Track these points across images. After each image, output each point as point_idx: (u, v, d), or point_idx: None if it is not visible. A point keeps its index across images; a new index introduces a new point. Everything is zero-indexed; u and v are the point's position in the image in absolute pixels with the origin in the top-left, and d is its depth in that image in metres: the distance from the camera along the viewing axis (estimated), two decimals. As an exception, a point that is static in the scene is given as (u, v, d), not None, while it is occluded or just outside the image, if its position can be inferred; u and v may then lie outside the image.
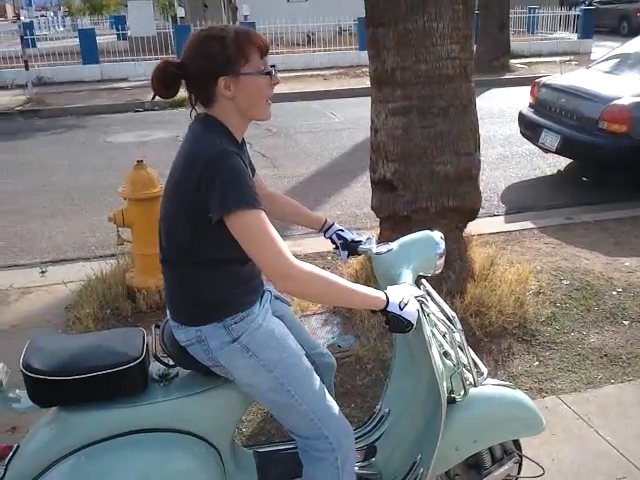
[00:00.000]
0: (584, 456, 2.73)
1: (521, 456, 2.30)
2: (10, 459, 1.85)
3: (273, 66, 1.83)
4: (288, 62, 15.23)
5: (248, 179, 1.70)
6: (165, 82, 1.77)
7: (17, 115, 11.33)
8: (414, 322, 1.81)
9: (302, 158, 8.04)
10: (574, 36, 18.48)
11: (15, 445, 1.90)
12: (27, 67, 12.58)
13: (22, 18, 13.54)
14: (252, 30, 1.80)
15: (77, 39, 15.45)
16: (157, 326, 2.07)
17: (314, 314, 3.92)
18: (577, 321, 3.80)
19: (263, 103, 1.82)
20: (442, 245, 2.15)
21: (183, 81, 1.81)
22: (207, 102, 1.80)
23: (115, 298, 4.01)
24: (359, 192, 6.57)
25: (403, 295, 1.83)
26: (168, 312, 1.94)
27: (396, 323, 1.80)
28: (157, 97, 1.82)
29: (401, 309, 1.79)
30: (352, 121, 10.02)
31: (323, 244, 4.36)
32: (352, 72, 14.84)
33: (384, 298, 1.80)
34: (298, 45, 17.33)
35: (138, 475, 1.83)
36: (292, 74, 14.32)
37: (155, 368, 1.97)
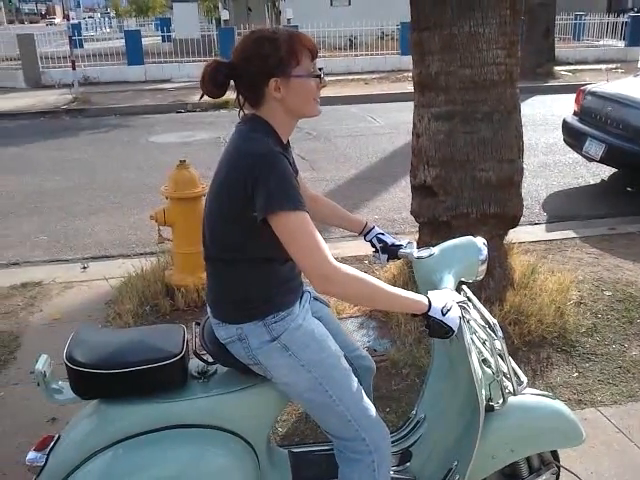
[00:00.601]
0: (624, 470, 2.67)
1: (559, 467, 2.26)
2: (51, 449, 1.89)
3: (321, 69, 1.84)
4: (330, 66, 15.26)
5: (294, 180, 1.71)
6: (216, 81, 1.78)
7: (63, 114, 11.59)
8: (455, 329, 1.80)
9: (341, 162, 8.04)
10: (621, 43, 18.14)
11: (57, 435, 1.94)
12: (74, 67, 12.86)
13: (71, 19, 13.82)
14: (303, 33, 1.81)
15: (123, 40, 15.74)
16: (197, 323, 2.10)
17: (350, 317, 3.92)
18: (618, 333, 3.73)
19: (311, 102, 1.84)
20: (485, 251, 2.13)
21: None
22: (256, 103, 1.82)
23: (154, 295, 4.07)
24: (398, 197, 6.55)
25: (446, 300, 1.82)
26: (209, 309, 1.96)
27: (437, 328, 1.80)
28: (205, 97, 1.84)
29: (443, 314, 1.78)
30: (392, 126, 10.00)
31: (361, 247, 4.37)
32: (393, 77, 14.82)
33: (426, 302, 1.79)
34: (340, 49, 17.38)
35: (175, 470, 1.85)
36: (333, 78, 14.35)
37: (194, 365, 2.00)
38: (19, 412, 3.11)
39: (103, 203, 6.61)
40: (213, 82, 1.77)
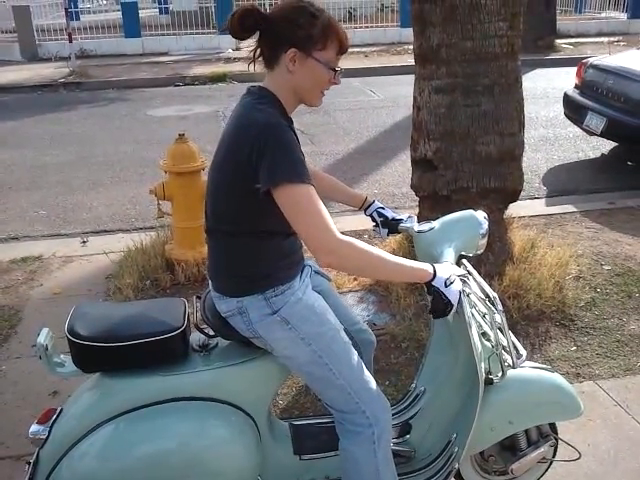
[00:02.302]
0: (621, 443, 2.70)
1: (557, 439, 2.28)
2: (54, 422, 1.90)
3: (341, 69, 1.82)
4: (329, 38, 15.06)
5: (299, 152, 1.70)
6: (243, 24, 1.74)
7: (60, 87, 11.47)
8: (455, 303, 1.80)
9: (341, 136, 8.00)
10: (623, 16, 17.91)
11: (59, 408, 1.95)
12: (71, 40, 12.71)
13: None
14: (342, 27, 1.80)
15: (120, 12, 15.54)
16: (198, 297, 2.10)
17: (350, 291, 3.93)
18: (617, 307, 3.74)
19: (317, 92, 1.84)
20: (485, 225, 2.13)
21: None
22: (269, 64, 1.80)
23: (154, 269, 4.07)
24: (397, 171, 6.53)
25: (450, 272, 1.82)
26: (210, 282, 1.96)
27: (438, 300, 1.80)
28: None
29: (446, 286, 1.78)
30: (392, 99, 9.92)
31: (361, 222, 4.35)
32: (393, 49, 14.67)
33: (431, 271, 1.79)
34: (339, 21, 17.11)
35: (176, 442, 1.88)
36: (332, 51, 14.18)
37: (195, 338, 2.01)
38: (21, 385, 3.13)
39: (102, 177, 6.58)
40: (241, 22, 1.74)
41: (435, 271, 1.80)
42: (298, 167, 1.66)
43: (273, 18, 1.75)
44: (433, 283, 1.79)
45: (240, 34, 1.78)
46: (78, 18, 15.99)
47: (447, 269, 1.85)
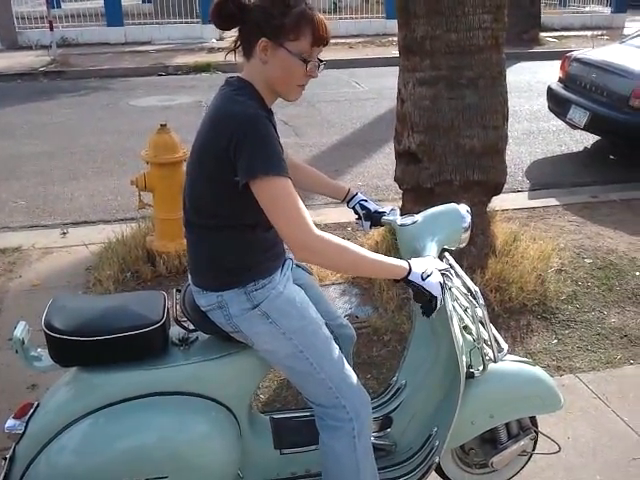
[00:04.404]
0: (600, 435, 2.72)
1: (537, 432, 2.30)
2: (30, 416, 1.88)
3: (322, 62, 1.78)
4: (313, 29, 14.97)
5: (277, 145, 1.68)
6: (221, 13, 1.72)
7: (41, 76, 11.31)
8: (436, 294, 1.80)
9: (325, 127, 7.97)
10: (607, 10, 17.99)
11: (35, 403, 1.93)
12: (52, 28, 12.52)
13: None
14: (322, 18, 1.74)
15: (102, 1, 15.35)
16: (178, 290, 2.08)
17: (332, 284, 3.92)
18: (598, 300, 3.77)
19: (292, 85, 1.79)
20: (468, 219, 2.12)
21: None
22: (246, 53, 1.78)
23: (135, 261, 4.03)
24: (381, 163, 6.52)
25: (426, 266, 1.81)
26: (190, 276, 1.94)
27: (419, 294, 1.79)
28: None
29: (423, 279, 1.78)
30: (377, 91, 9.90)
31: (344, 214, 4.34)
32: (378, 41, 14.63)
33: (407, 267, 1.79)
34: (324, 12, 17.09)
35: (156, 437, 1.86)
36: (317, 42, 14.11)
37: (175, 332, 1.98)
38: (-1, 378, 3.09)
39: (83, 168, 6.50)
40: (218, 11, 1.72)
41: (410, 267, 1.79)
42: (275, 159, 1.64)
43: (249, 8, 1.72)
44: (409, 278, 1.78)
45: (219, 23, 1.76)
46: (59, 6, 15.78)
47: (423, 263, 1.84)
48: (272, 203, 1.65)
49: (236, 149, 1.64)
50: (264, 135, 1.65)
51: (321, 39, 1.74)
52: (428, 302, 1.81)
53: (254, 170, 1.63)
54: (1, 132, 7.79)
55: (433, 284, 1.80)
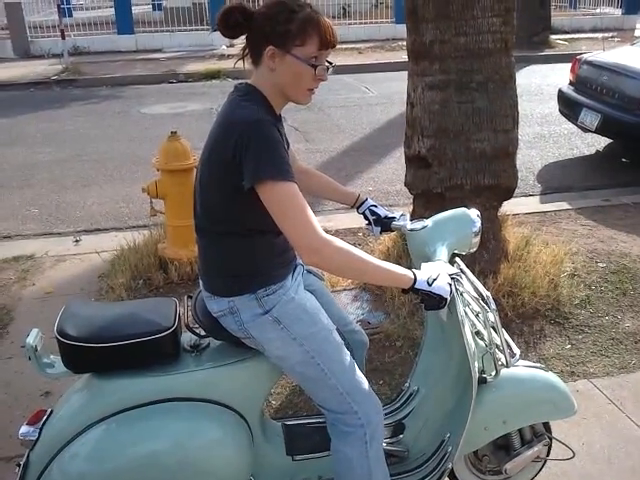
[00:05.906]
0: (615, 441, 2.70)
1: (551, 438, 2.28)
2: (44, 423, 1.88)
3: (331, 64, 1.79)
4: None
5: (283, 150, 1.68)
6: (227, 21, 1.74)
7: (53, 84, 11.41)
8: (446, 296, 1.79)
9: (335, 133, 7.98)
10: (618, 12, 17.91)
11: (49, 410, 1.94)
12: (63, 36, 12.63)
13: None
14: (327, 21, 1.75)
15: (113, 9, 15.46)
16: (190, 297, 2.08)
17: (344, 290, 3.91)
18: (612, 305, 3.74)
19: (302, 89, 1.79)
20: (478, 223, 2.11)
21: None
22: (254, 61, 1.79)
23: (147, 268, 4.05)
24: (392, 168, 6.51)
25: (430, 272, 1.81)
26: (201, 282, 1.95)
27: (429, 300, 1.79)
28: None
29: (430, 285, 1.77)
30: (386, 96, 9.90)
31: (354, 220, 4.34)
32: (388, 46, 14.65)
33: (411, 276, 1.78)
34: (333, 18, 17.12)
35: (168, 443, 1.86)
36: (327, 47, 14.12)
37: (187, 338, 1.99)
38: (13, 386, 3.11)
39: (95, 175, 6.55)
40: (224, 19, 1.74)
41: (415, 276, 1.78)
42: (280, 164, 1.65)
43: (255, 16, 1.74)
44: (416, 287, 1.78)
45: (225, 31, 1.77)
46: (71, 15, 15.89)
47: (429, 269, 1.84)
48: (279, 207, 1.65)
49: (242, 153, 1.65)
50: (268, 139, 1.66)
51: (328, 42, 1.74)
52: (438, 306, 1.81)
53: (260, 174, 1.64)
54: (15, 140, 7.86)
55: (441, 287, 1.79)
